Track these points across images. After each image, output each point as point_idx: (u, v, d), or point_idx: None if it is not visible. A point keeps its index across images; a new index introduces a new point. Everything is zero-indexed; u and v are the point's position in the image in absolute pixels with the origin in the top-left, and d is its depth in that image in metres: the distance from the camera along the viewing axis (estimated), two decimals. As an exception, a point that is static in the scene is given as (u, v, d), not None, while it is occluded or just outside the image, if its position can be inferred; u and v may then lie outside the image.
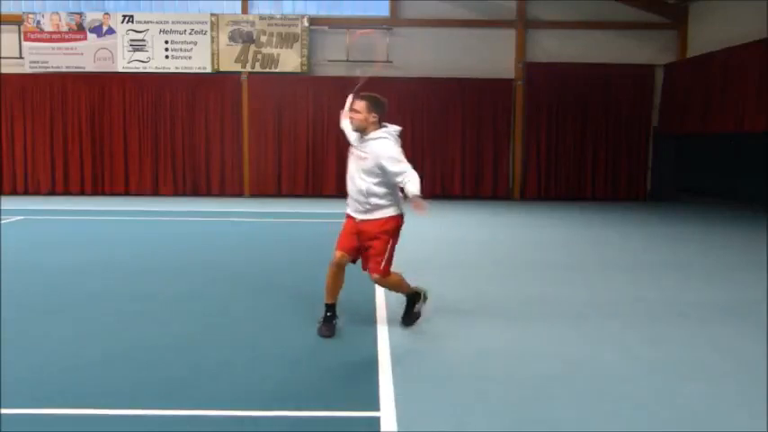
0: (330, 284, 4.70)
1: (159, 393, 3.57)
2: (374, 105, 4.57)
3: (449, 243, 8.94)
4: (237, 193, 15.00)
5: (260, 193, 14.95)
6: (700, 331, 4.93)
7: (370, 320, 5.02)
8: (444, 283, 6.42)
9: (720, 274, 7.18)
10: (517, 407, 3.48)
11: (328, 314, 4.72)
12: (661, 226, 11.09)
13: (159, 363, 4.05)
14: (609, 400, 3.57)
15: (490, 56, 14.78)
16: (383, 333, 4.70)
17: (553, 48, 14.85)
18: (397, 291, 4.92)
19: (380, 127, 4.61)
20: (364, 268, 4.75)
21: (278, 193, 14.87)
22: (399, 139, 4.67)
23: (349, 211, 4.73)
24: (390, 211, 4.60)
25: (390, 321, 4.98)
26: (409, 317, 4.95)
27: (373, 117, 4.56)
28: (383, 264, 4.63)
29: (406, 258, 7.56)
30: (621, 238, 9.69)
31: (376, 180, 4.51)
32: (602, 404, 3.53)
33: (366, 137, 4.58)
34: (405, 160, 4.50)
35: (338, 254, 4.64)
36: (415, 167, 4.49)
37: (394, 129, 4.67)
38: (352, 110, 4.62)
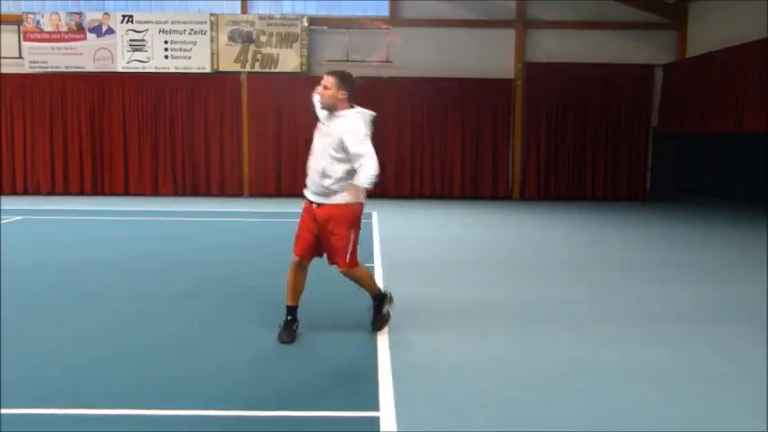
0: (291, 285, 4.54)
1: (159, 393, 3.57)
2: (343, 81, 4.38)
3: (448, 243, 8.94)
4: (237, 192, 15.00)
5: (259, 192, 14.96)
6: (700, 331, 4.93)
7: (370, 321, 5.01)
8: (444, 283, 6.43)
9: (720, 273, 7.18)
10: (517, 407, 3.47)
11: (289, 318, 4.53)
12: (661, 226, 11.09)
13: (159, 363, 4.05)
14: (609, 400, 3.57)
15: (490, 56, 14.78)
16: (383, 333, 4.69)
17: (553, 48, 14.85)
18: (364, 286, 4.68)
19: (350, 107, 4.45)
20: (330, 263, 4.56)
21: (278, 193, 14.88)
22: (371, 125, 4.47)
23: (306, 193, 4.53)
24: (349, 197, 4.33)
25: (391, 321, 4.97)
26: (378, 320, 4.71)
27: (342, 94, 4.37)
28: (348, 257, 4.44)
29: (407, 258, 7.57)
30: (621, 238, 9.69)
31: (338, 157, 4.30)
32: (602, 404, 3.53)
33: (335, 113, 4.40)
34: (369, 144, 4.32)
35: (296, 258, 4.55)
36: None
37: (368, 112, 4.47)
38: (321, 85, 4.41)
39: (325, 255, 4.59)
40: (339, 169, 4.34)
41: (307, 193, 4.54)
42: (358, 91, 4.51)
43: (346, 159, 4.31)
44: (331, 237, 4.42)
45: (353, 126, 4.33)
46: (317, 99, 4.64)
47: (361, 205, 4.47)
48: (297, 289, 4.56)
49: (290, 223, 10.80)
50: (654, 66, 14.84)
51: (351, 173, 4.34)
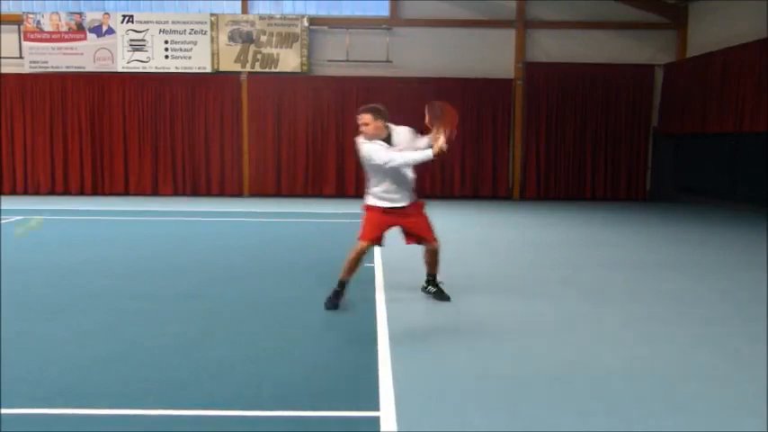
0: (352, 264, 5.26)
1: (159, 393, 3.57)
2: (376, 114, 5.13)
3: (448, 243, 8.92)
4: (237, 192, 15.00)
5: (259, 192, 14.96)
6: (700, 331, 4.93)
7: (370, 321, 5.02)
8: (444, 283, 6.42)
9: (720, 273, 7.18)
10: (517, 407, 3.47)
11: (339, 289, 5.29)
12: (660, 226, 11.09)
13: (159, 363, 4.05)
14: (609, 400, 3.57)
15: (490, 56, 14.78)
16: (383, 333, 4.69)
17: (553, 48, 14.85)
18: (436, 261, 5.69)
19: (387, 127, 5.20)
20: (414, 242, 5.51)
21: (278, 193, 14.88)
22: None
23: (388, 204, 5.28)
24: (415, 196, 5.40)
25: (391, 322, 4.98)
26: (442, 294, 5.72)
27: (380, 122, 5.13)
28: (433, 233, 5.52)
29: (407, 259, 7.56)
30: (621, 238, 9.69)
31: (411, 168, 5.27)
32: (602, 404, 3.53)
33: (387, 137, 5.18)
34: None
35: (364, 244, 5.26)
36: (414, 167, 4.87)
37: (403, 128, 5.33)
38: (361, 124, 5.13)
39: (404, 237, 5.54)
40: (413, 173, 5.36)
41: (390, 204, 5.30)
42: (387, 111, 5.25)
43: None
44: (417, 225, 5.43)
45: (410, 131, 5.31)
46: (383, 150, 5.21)
47: None
48: (355, 269, 5.31)
49: (290, 223, 10.85)
50: (654, 66, 14.84)
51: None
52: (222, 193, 14.99)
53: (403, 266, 7.05)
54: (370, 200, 5.35)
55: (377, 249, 7.94)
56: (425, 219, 5.48)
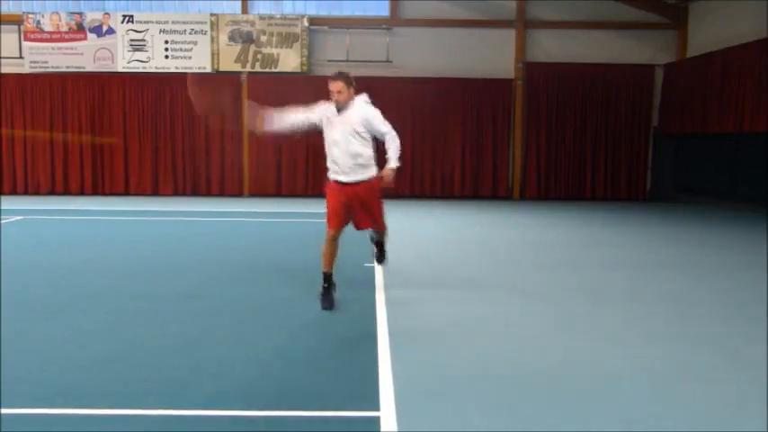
0: (329, 254, 5.25)
1: (159, 393, 3.57)
2: (348, 82, 5.19)
3: (448, 243, 8.94)
4: (237, 192, 15.01)
5: (259, 192, 14.96)
6: (700, 331, 4.94)
7: (371, 321, 5.02)
8: (445, 283, 6.43)
9: (720, 273, 7.18)
10: (517, 407, 3.48)
11: (326, 285, 5.27)
12: (661, 226, 11.09)
13: (159, 363, 4.05)
14: (609, 400, 3.58)
15: (490, 56, 14.78)
16: (383, 333, 4.69)
17: (553, 48, 14.86)
18: (383, 236, 5.80)
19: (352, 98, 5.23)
20: (361, 228, 5.46)
21: (278, 193, 14.88)
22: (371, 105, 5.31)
23: (335, 176, 5.26)
24: (373, 171, 5.26)
25: (391, 322, 4.98)
26: (383, 256, 5.99)
27: (352, 90, 5.22)
28: (383, 220, 5.50)
29: (407, 259, 7.57)
30: (621, 238, 9.69)
31: (362, 141, 5.17)
32: (602, 404, 3.53)
33: (345, 107, 5.18)
34: (387, 121, 5.24)
35: (332, 233, 5.23)
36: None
37: (364, 96, 5.32)
38: (334, 92, 5.14)
39: (351, 222, 5.39)
40: (367, 149, 5.23)
41: (336, 176, 5.27)
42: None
43: (369, 139, 5.21)
44: (372, 208, 5.35)
45: (371, 110, 5.23)
46: (296, 117, 5.42)
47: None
48: (334, 256, 5.29)
49: (290, 223, 10.85)
50: (654, 66, 14.84)
51: (372, 150, 5.28)
52: (222, 193, 15.00)
53: (403, 266, 7.05)
54: (328, 174, 5.35)
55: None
56: (378, 201, 5.40)
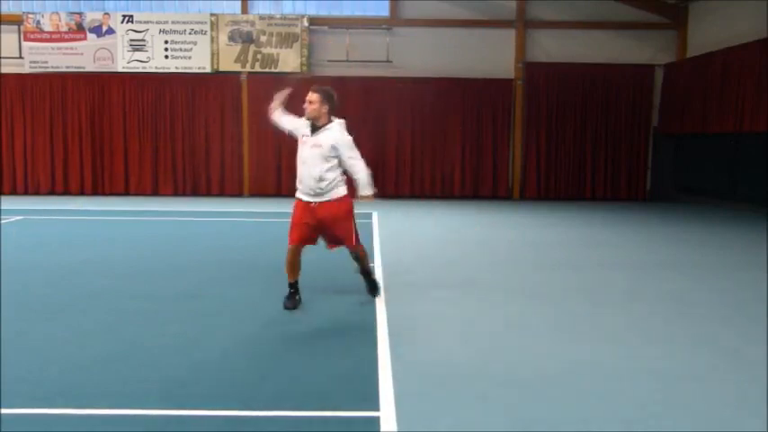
0: (291, 265, 5.29)
1: (159, 393, 3.57)
2: (326, 98, 5.12)
3: (449, 243, 8.94)
4: (237, 192, 15.00)
5: (259, 192, 14.96)
6: (700, 331, 4.94)
7: (371, 321, 5.02)
8: (445, 284, 6.42)
9: (720, 273, 7.18)
10: (517, 407, 3.48)
11: (291, 291, 5.34)
12: (661, 226, 11.09)
13: (159, 362, 4.05)
14: (609, 400, 3.57)
15: (490, 56, 14.78)
16: (383, 333, 4.69)
17: (553, 48, 14.86)
18: (362, 262, 5.54)
19: (330, 120, 5.17)
20: (332, 246, 5.42)
21: (278, 193, 14.88)
22: (345, 131, 5.25)
23: (301, 196, 5.25)
24: (340, 192, 5.20)
25: (391, 322, 4.98)
26: (375, 287, 5.66)
27: (325, 108, 5.11)
28: (354, 239, 5.32)
29: (407, 259, 7.57)
30: (621, 238, 9.69)
31: (328, 165, 5.10)
32: (602, 404, 3.53)
33: (319, 126, 5.13)
34: (356, 149, 5.20)
35: (293, 246, 5.25)
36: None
37: (341, 121, 5.25)
38: (307, 101, 5.10)
39: (321, 240, 5.40)
40: (332, 173, 5.14)
41: (301, 195, 5.26)
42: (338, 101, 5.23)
43: (337, 165, 5.14)
44: (337, 229, 5.25)
45: (342, 136, 5.16)
46: (283, 117, 5.45)
47: (349, 196, 5.27)
48: (297, 268, 5.32)
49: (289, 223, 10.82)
50: (654, 66, 14.84)
51: (341, 173, 5.21)
52: (222, 193, 14.99)
53: (403, 267, 7.05)
54: (296, 191, 5.33)
55: (377, 250, 7.98)
56: (347, 221, 5.27)
